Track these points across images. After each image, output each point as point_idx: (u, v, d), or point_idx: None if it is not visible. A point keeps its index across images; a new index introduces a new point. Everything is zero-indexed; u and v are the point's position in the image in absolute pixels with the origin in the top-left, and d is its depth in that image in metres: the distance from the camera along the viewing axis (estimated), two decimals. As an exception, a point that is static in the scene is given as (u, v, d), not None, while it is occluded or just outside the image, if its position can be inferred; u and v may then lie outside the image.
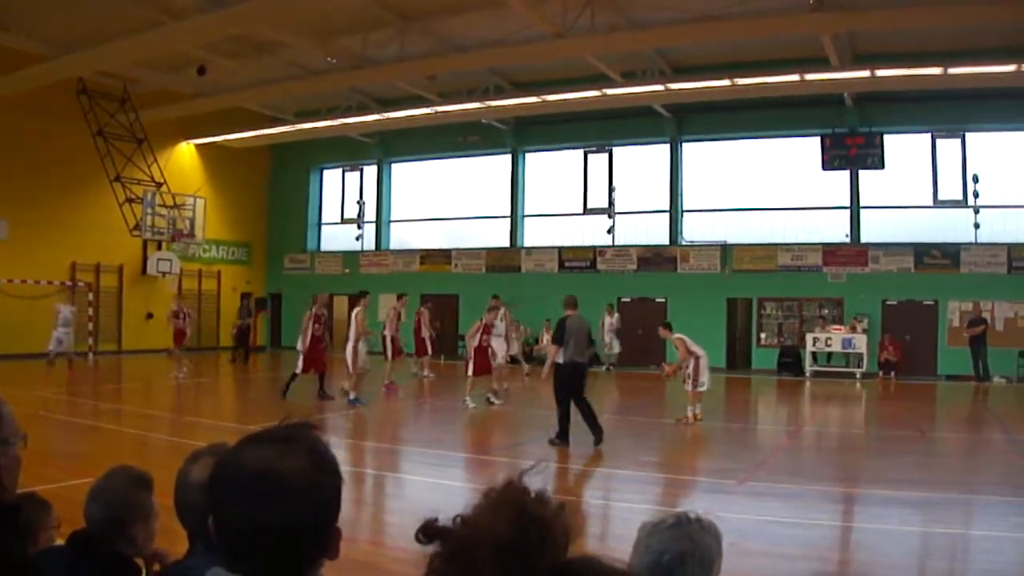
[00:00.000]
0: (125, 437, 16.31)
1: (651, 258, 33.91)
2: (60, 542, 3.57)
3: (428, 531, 1.72)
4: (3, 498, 2.37)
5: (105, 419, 18.28)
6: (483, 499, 1.76)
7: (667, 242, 33.88)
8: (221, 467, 1.91)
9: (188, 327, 27.21)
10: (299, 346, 21.36)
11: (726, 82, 26.99)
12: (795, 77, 26.15)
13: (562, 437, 15.11)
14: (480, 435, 17.91)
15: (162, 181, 35.50)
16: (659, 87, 28.11)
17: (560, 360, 15.45)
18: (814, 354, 30.49)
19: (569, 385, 15.34)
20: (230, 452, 1.92)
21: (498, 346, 22.91)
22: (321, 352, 21.31)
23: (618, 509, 10.97)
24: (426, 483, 12.77)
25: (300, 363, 21.06)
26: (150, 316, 35.23)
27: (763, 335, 32.40)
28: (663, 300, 33.30)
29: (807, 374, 30.35)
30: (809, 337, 30.52)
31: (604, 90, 28.56)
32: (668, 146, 33.87)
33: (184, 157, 39.54)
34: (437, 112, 32.73)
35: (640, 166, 34.65)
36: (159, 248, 36.64)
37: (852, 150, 30.12)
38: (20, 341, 30.66)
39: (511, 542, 1.66)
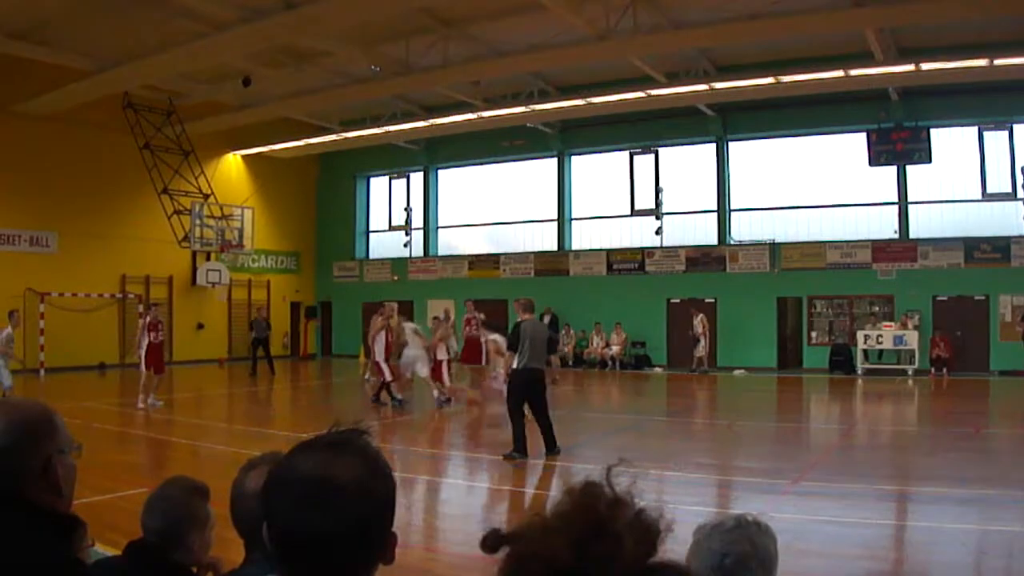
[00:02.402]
0: (177, 447, 16.56)
1: (700, 258, 33.84)
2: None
3: (492, 540, 1.64)
4: (61, 507, 2.43)
5: (157, 429, 18.56)
6: (559, 501, 1.66)
7: (715, 242, 33.79)
8: (275, 474, 1.93)
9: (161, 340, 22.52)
10: (377, 356, 22.12)
11: (770, 80, 26.91)
12: (839, 73, 26.01)
13: (519, 449, 14.37)
14: (530, 439, 17.99)
15: (210, 192, 35.89)
16: (703, 87, 28.11)
17: (515, 366, 14.70)
18: (865, 352, 30.24)
19: (522, 392, 14.63)
20: (283, 459, 1.94)
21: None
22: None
23: (671, 511, 10.93)
24: (475, 488, 12.89)
25: (387, 372, 21.68)
26: (201, 327, 35.66)
27: (814, 334, 32.18)
28: (712, 300, 33.24)
29: (858, 372, 30.15)
30: (860, 335, 30.28)
31: (648, 91, 28.58)
32: (714, 145, 33.76)
33: (231, 168, 39.97)
34: (482, 117, 32.82)
35: (687, 166, 34.54)
36: (208, 259, 37.03)
37: (899, 145, 29.86)
38: (71, 354, 31.21)
39: (570, 562, 1.54)
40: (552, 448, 14.56)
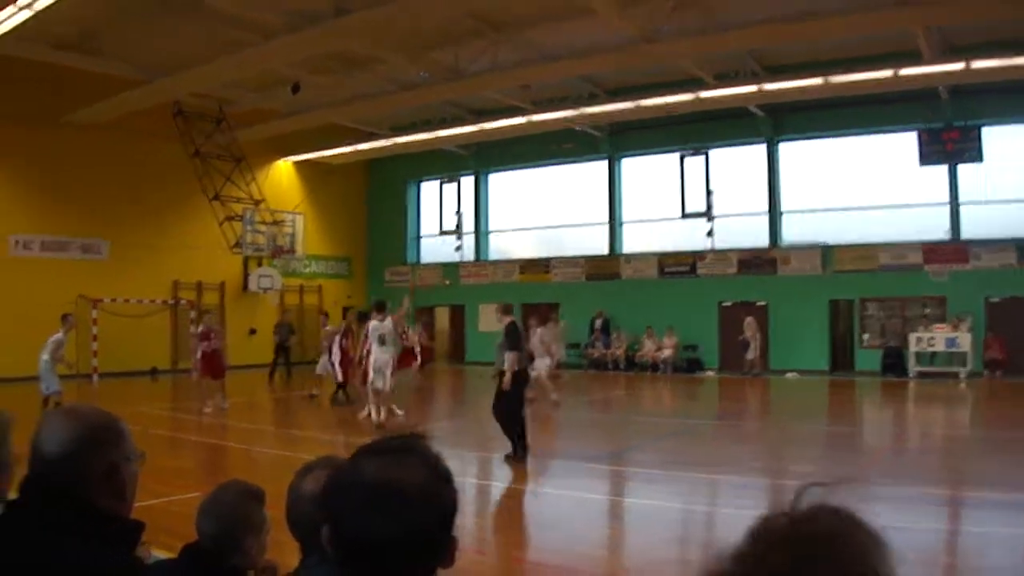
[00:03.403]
0: (229, 451, 16.78)
1: (751, 261, 33.62)
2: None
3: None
4: (123, 512, 2.52)
5: (208, 434, 18.77)
6: (748, 541, 1.56)
7: (767, 244, 33.57)
8: (338, 478, 1.96)
9: (221, 348, 22.50)
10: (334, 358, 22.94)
11: (819, 80, 26.73)
12: (888, 73, 25.75)
13: (522, 450, 14.45)
14: (582, 442, 18.04)
15: (261, 199, 36.18)
16: (752, 88, 27.97)
17: (518, 367, 14.76)
18: (917, 354, 29.88)
19: (521, 394, 14.84)
20: (347, 463, 1.98)
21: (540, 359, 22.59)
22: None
23: (725, 516, 10.89)
24: (534, 493, 12.94)
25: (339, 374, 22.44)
26: (253, 332, 35.92)
27: (866, 336, 31.79)
28: (764, 304, 33.07)
29: (911, 375, 29.81)
30: (912, 337, 29.88)
31: (698, 93, 28.46)
32: (764, 146, 33.52)
33: (282, 174, 40.32)
34: (531, 121, 32.84)
35: (737, 168, 34.33)
36: (260, 265, 37.36)
37: (949, 145, 29.46)
38: (123, 359, 31.61)
39: None
40: (522, 453, 14.54)
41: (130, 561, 2.51)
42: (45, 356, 18.73)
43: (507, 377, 14.66)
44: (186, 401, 21.40)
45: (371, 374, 18.13)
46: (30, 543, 2.35)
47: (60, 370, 19.00)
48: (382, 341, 17.69)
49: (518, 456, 14.28)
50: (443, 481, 1.96)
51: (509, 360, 14.74)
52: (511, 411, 14.61)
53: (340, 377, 22.76)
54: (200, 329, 22.20)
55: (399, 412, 18.40)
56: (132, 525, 2.53)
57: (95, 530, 2.39)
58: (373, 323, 18.30)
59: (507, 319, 15.32)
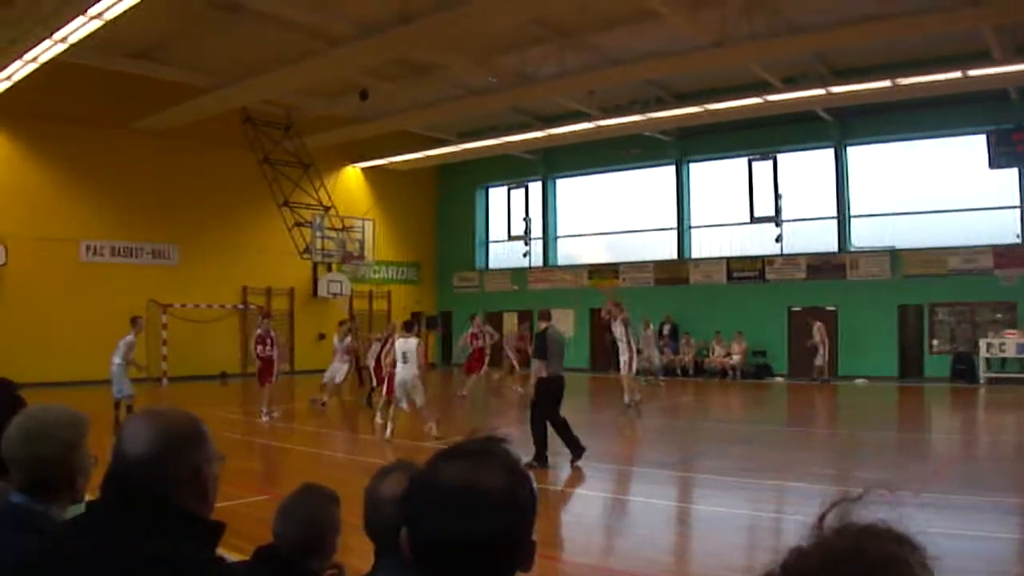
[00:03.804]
0: (297, 455, 16.94)
1: (820, 266, 33.30)
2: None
3: None
4: (205, 513, 2.56)
5: (277, 437, 18.94)
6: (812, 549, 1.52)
7: (835, 249, 33.24)
8: (418, 482, 1.94)
9: (275, 355, 22.24)
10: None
11: (887, 83, 26.39)
12: (957, 74, 25.32)
13: (540, 460, 14.36)
14: (652, 448, 18.02)
15: (330, 205, 36.45)
16: (820, 91, 27.69)
17: (544, 374, 14.85)
18: (988, 360, 29.33)
19: (554, 399, 14.84)
20: (426, 467, 1.96)
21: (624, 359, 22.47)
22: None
23: (792, 523, 10.66)
24: (603, 498, 12.94)
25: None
26: (322, 337, 36.08)
27: (935, 342, 31.28)
28: (833, 308, 32.69)
29: (981, 381, 29.24)
30: (982, 343, 29.28)
31: (765, 97, 28.29)
32: (832, 150, 33.22)
33: (351, 180, 40.66)
34: (599, 126, 32.84)
35: (805, 172, 34.02)
36: (329, 270, 37.65)
37: (1019, 146, 28.87)
38: (192, 364, 32.01)
39: None
40: (579, 453, 14.64)
41: (215, 561, 2.53)
42: (117, 359, 18.97)
43: (531, 383, 15.23)
44: (253, 404, 21.58)
45: (396, 391, 18.19)
46: (115, 543, 2.38)
47: (131, 373, 19.26)
48: (404, 359, 17.73)
49: (538, 464, 14.19)
50: (523, 484, 1.94)
51: (534, 367, 15.28)
52: (536, 417, 14.77)
53: (375, 381, 22.89)
54: (259, 331, 22.38)
55: (433, 429, 18.27)
56: (214, 526, 2.56)
57: (180, 530, 2.42)
58: (399, 340, 18.36)
59: (542, 325, 15.52)
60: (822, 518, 1.56)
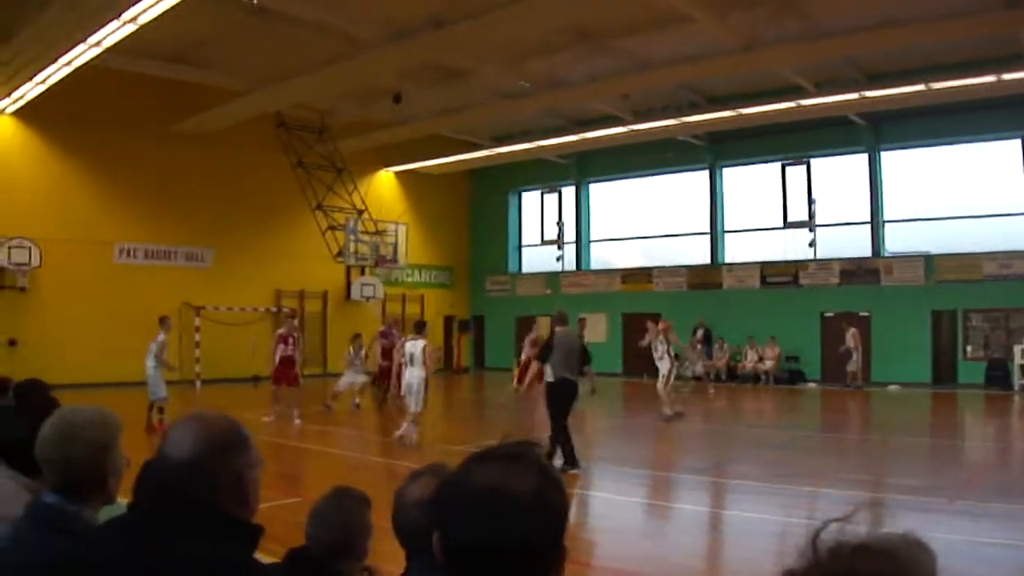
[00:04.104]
0: (329, 458, 17.06)
1: (854, 271, 33.13)
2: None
3: None
4: (246, 518, 2.60)
5: (309, 440, 19.00)
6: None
7: (869, 254, 33.04)
8: (449, 485, 1.94)
9: (296, 355, 22.11)
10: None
11: (921, 87, 26.18)
12: (991, 78, 25.11)
13: (570, 461, 14.32)
14: (684, 453, 18.01)
15: (363, 208, 36.48)
16: (853, 95, 27.56)
17: (550, 379, 14.83)
18: (1023, 367, 29.22)
19: (562, 403, 14.68)
20: (458, 470, 1.96)
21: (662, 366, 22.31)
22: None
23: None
24: (635, 503, 12.93)
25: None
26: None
27: (969, 348, 30.95)
28: (866, 314, 32.50)
29: (1016, 388, 28.98)
30: (1017, 349, 29.08)
31: (798, 101, 28.19)
32: (866, 155, 32.99)
33: (384, 184, 40.81)
34: (631, 131, 32.80)
35: (839, 177, 33.85)
36: (363, 274, 37.77)
37: (1054, 152, 28.75)
38: (224, 367, 32.14)
39: None
40: (572, 464, 14.45)
41: (255, 563, 2.60)
42: (150, 362, 19.09)
43: (525, 383, 15.74)
44: (288, 408, 21.66)
45: (404, 393, 18.11)
46: (150, 545, 2.41)
47: (164, 375, 19.37)
48: (411, 361, 17.67)
49: (569, 467, 14.18)
50: (555, 488, 1.93)
51: (532, 370, 15.56)
52: (553, 419, 14.71)
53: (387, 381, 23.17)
54: (283, 330, 22.31)
55: (400, 431, 18.11)
56: (254, 528, 2.59)
57: (218, 533, 2.45)
58: (408, 342, 18.30)
59: (555, 328, 15.39)
60: (815, 539, 1.55)
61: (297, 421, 20.81)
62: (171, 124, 31.23)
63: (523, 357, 22.88)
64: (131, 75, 27.51)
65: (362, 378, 24.78)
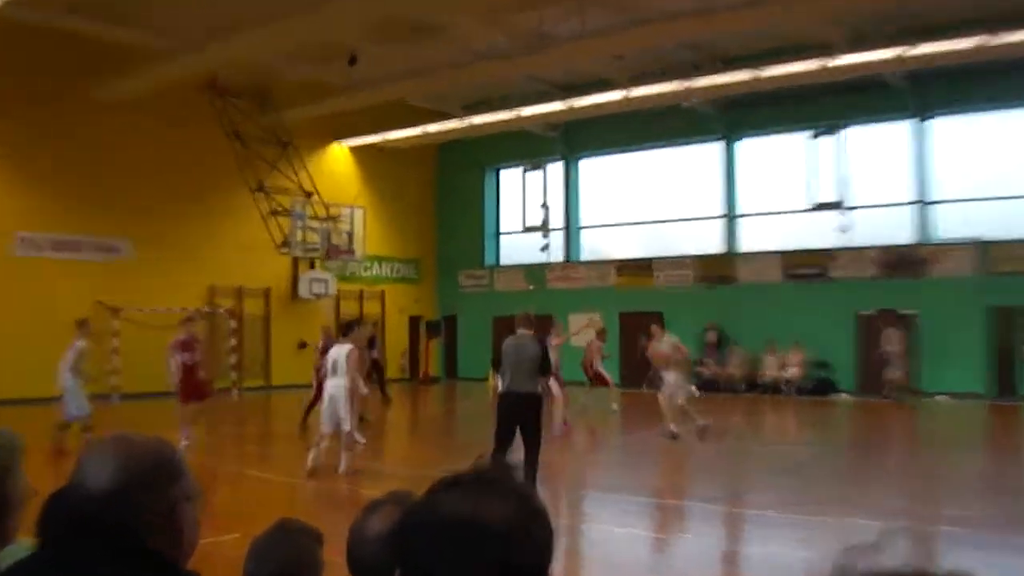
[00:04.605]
0: (275, 485, 17.02)
1: (894, 261, 33.03)
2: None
3: None
4: (180, 562, 2.52)
5: (248, 464, 18.96)
6: None
7: (913, 241, 33.02)
8: (413, 516, 1.93)
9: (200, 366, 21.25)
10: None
11: (974, 42, 26.05)
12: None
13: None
14: (694, 479, 18.05)
15: (312, 190, 36.35)
16: (893, 52, 27.34)
17: (501, 390, 14.94)
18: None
19: (504, 420, 14.47)
20: (423, 499, 1.94)
21: None
22: None
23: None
24: (637, 536, 12.95)
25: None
26: (303, 346, 35.91)
27: (1032, 351, 31.06)
28: (910, 312, 32.30)
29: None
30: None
31: (828, 60, 28.08)
32: (909, 124, 32.96)
33: (337, 161, 40.76)
34: (629, 97, 32.62)
35: (877, 149, 33.81)
36: (312, 267, 37.73)
37: None
38: (148, 378, 31.64)
39: None
40: None
41: None
42: (67, 372, 18.97)
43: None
44: (223, 427, 21.59)
45: (323, 411, 17.56)
46: None
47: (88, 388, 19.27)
48: (334, 369, 17.41)
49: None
50: (537, 518, 1.91)
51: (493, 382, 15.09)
52: (495, 437, 14.54)
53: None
54: (181, 336, 20.97)
55: (342, 464, 17.82)
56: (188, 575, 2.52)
57: None
58: (333, 348, 18.06)
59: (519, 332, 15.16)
60: (841, 572, 1.52)
61: (184, 442, 19.84)
62: (78, 91, 30.88)
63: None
64: (29, 29, 27.29)
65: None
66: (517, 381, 14.48)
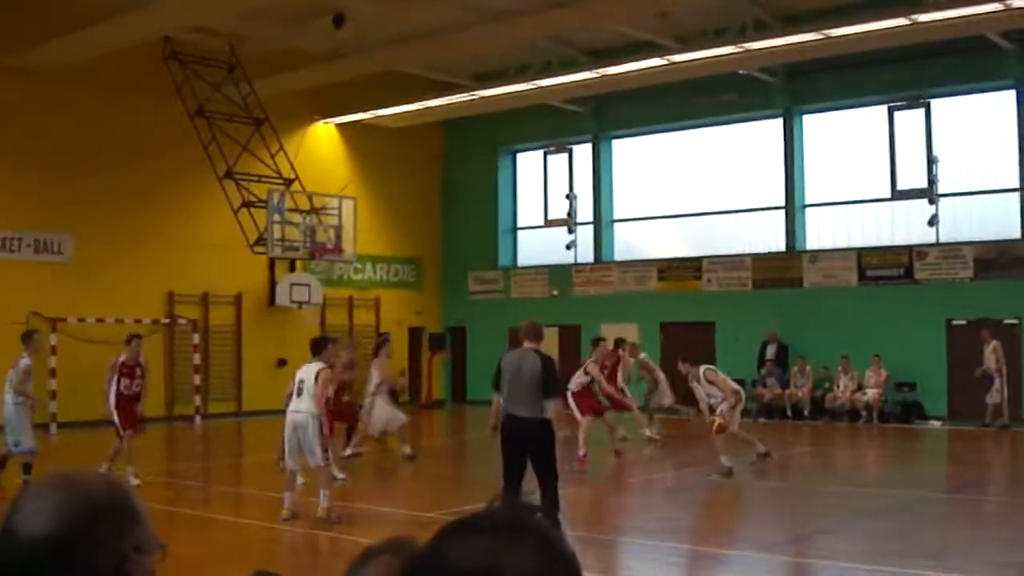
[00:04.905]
0: (247, 531, 17.04)
1: (995, 259, 32.88)
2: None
3: None
4: None
5: (219, 507, 18.91)
6: None
7: (1019, 235, 32.88)
8: (417, 568, 1.89)
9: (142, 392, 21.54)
10: None
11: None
12: None
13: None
14: (753, 522, 17.95)
15: (293, 177, 36.26)
16: (993, 5, 27.19)
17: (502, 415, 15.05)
18: None
19: (506, 448, 14.62)
20: (431, 547, 1.90)
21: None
22: None
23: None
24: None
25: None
26: (283, 363, 35.89)
27: None
28: (1015, 321, 32.32)
29: None
30: None
31: (913, 16, 27.97)
32: (1013, 92, 32.80)
33: (321, 142, 40.93)
34: (673, 63, 32.72)
35: (973, 125, 33.75)
36: (292, 269, 37.83)
37: None
38: (93, 404, 31.49)
39: None
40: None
41: None
42: (9, 397, 18.91)
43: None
44: (188, 461, 21.55)
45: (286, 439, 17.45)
46: None
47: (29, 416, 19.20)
48: (299, 391, 17.30)
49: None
50: (565, 569, 1.84)
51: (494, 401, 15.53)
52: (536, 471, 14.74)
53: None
54: (123, 357, 21.19)
55: (321, 503, 17.72)
56: None
57: None
58: (302, 368, 18.02)
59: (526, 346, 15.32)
60: None
61: (135, 481, 19.48)
62: (7, 55, 30.83)
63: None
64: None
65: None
66: (516, 404, 14.61)
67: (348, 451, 24.01)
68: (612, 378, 26.16)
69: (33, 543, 2.31)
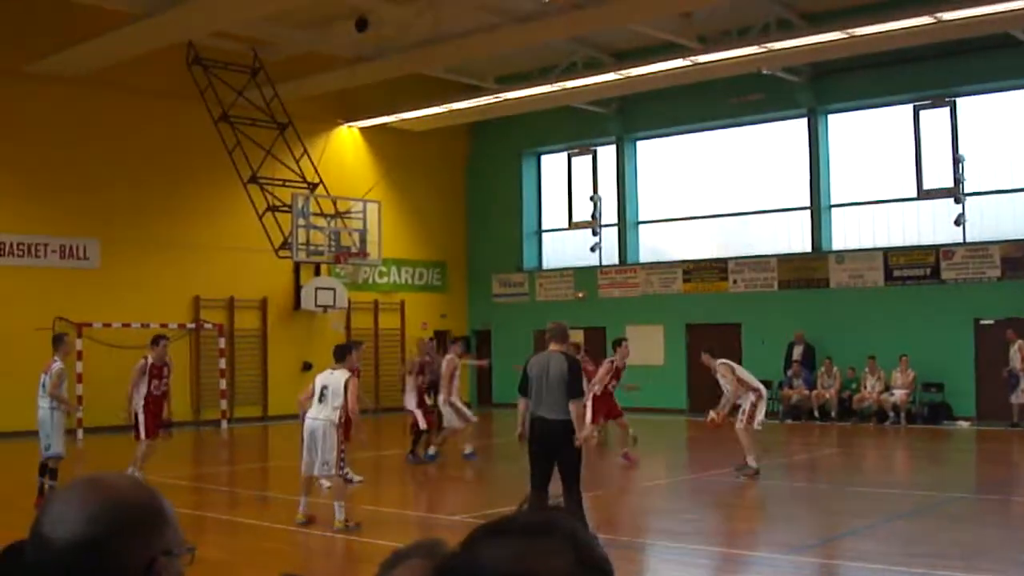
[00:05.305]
0: (274, 534, 16.96)
1: (1022, 258, 32.67)
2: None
3: None
4: None
5: (245, 511, 18.99)
6: None
7: (1048, 234, 32.75)
8: (451, 571, 1.90)
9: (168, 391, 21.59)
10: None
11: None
12: None
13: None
14: (781, 523, 17.92)
15: (317, 181, 36.21)
16: (1018, 3, 27.05)
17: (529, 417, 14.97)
18: None
19: (533, 453, 14.60)
20: (461, 550, 1.92)
21: None
22: None
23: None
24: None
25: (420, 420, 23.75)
26: (308, 367, 35.87)
27: None
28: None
29: None
30: None
31: (938, 14, 27.86)
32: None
33: (346, 146, 40.93)
34: (697, 64, 32.70)
35: (1000, 123, 33.62)
36: (317, 273, 37.85)
37: None
38: (121, 409, 31.67)
39: None
40: None
41: None
42: (44, 402, 18.87)
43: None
44: (214, 465, 21.57)
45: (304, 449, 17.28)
46: None
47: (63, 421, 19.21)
48: (321, 397, 17.10)
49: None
50: (598, 569, 1.90)
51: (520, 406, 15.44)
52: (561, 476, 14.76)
53: (423, 424, 24.13)
54: (150, 360, 21.04)
55: (336, 515, 17.59)
56: None
57: None
58: (322, 374, 17.82)
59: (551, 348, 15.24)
60: None
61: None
62: (33, 61, 30.94)
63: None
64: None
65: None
66: (544, 406, 14.54)
67: (432, 450, 24.80)
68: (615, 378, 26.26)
69: (63, 547, 2.31)
